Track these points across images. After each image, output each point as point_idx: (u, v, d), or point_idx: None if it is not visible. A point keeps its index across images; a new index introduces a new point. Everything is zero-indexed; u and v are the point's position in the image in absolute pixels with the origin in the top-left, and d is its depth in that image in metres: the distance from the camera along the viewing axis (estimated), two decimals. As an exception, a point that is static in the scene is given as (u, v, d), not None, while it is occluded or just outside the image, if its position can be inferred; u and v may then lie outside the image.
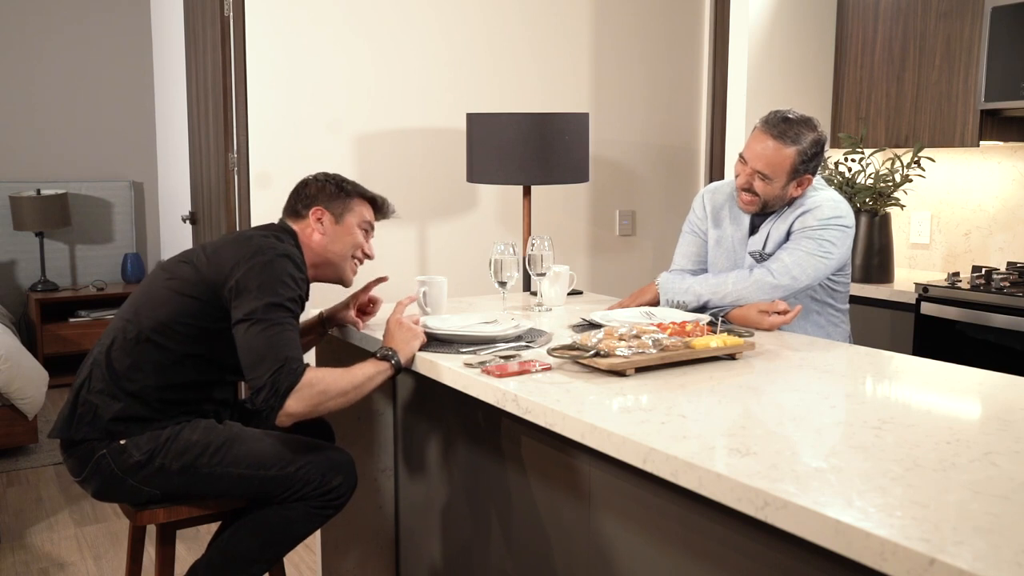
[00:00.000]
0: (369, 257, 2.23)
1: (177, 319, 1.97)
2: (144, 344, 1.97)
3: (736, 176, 2.37)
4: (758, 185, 2.31)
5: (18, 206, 5.27)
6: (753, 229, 2.45)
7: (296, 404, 1.85)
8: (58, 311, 5.41)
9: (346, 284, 2.23)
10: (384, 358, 1.98)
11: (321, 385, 1.87)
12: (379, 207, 2.26)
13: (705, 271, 2.55)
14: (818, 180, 2.41)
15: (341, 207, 2.16)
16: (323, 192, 2.17)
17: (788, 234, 2.35)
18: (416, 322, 2.08)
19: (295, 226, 2.16)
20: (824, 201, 2.34)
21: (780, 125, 2.28)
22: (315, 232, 2.14)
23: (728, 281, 2.31)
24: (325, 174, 2.22)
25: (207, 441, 1.96)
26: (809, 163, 2.29)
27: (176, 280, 2.01)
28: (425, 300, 2.40)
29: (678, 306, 2.36)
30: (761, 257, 2.38)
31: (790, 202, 2.37)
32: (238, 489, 1.97)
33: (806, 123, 2.30)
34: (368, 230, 2.23)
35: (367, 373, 1.96)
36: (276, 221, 2.22)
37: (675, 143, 4.46)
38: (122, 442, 1.93)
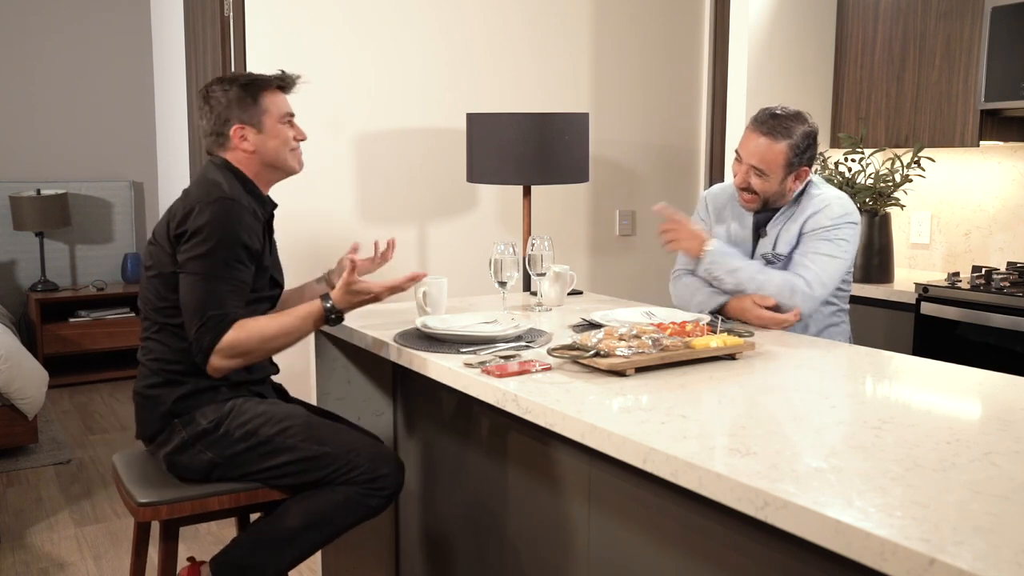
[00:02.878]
0: (303, 139, 2.20)
1: (176, 296, 2.02)
2: (169, 330, 2.04)
3: (734, 175, 2.38)
4: (755, 183, 2.33)
5: (18, 206, 5.27)
6: (757, 227, 2.46)
7: (220, 361, 1.97)
8: (58, 311, 5.41)
9: (296, 172, 2.21)
10: (323, 298, 2.05)
11: (242, 347, 1.97)
12: (286, 86, 2.18)
13: None
14: (818, 178, 2.42)
15: (256, 113, 2.11)
16: (232, 104, 2.10)
17: (799, 235, 2.36)
18: (370, 290, 2.06)
19: (226, 154, 2.13)
20: (831, 199, 2.36)
21: (769, 121, 2.31)
22: (244, 153, 2.11)
23: (772, 283, 2.28)
24: (221, 79, 2.14)
25: (270, 413, 2.04)
26: (803, 155, 2.31)
27: (153, 268, 2.06)
28: (425, 300, 2.40)
29: (714, 279, 2.33)
30: (774, 259, 2.39)
31: (796, 198, 2.38)
32: (290, 461, 2.00)
33: (796, 117, 2.32)
34: (291, 119, 2.17)
35: (299, 314, 2.04)
36: (209, 158, 2.17)
37: (675, 143, 4.46)
38: (193, 413, 2.03)
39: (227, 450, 2.01)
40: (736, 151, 2.37)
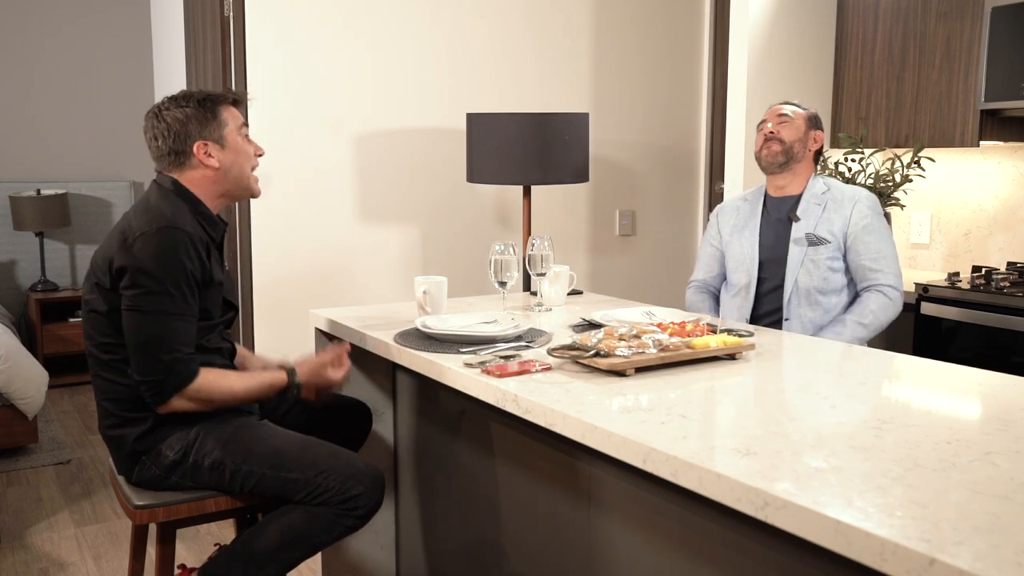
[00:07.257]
0: (262, 154, 2.15)
1: (118, 336, 1.97)
2: (113, 366, 2.00)
3: (761, 141, 2.61)
4: (783, 130, 2.57)
5: (18, 206, 5.27)
6: (777, 220, 2.65)
7: (182, 403, 1.95)
8: (58, 311, 5.41)
9: (256, 195, 2.17)
10: (289, 373, 2.09)
11: (208, 395, 1.97)
12: (239, 101, 2.14)
13: (716, 278, 2.77)
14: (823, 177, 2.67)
15: (216, 128, 2.05)
16: (191, 121, 2.03)
17: (846, 231, 2.54)
18: (326, 384, 2.15)
19: (178, 176, 2.05)
20: (858, 191, 2.59)
21: (785, 101, 2.67)
22: (208, 169, 2.05)
23: (875, 315, 2.47)
24: (173, 99, 2.06)
25: (235, 439, 2.00)
26: (817, 123, 2.64)
27: (91, 303, 2.00)
28: (425, 300, 2.40)
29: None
30: (818, 240, 2.54)
31: (818, 189, 2.59)
32: (261, 488, 1.99)
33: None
34: (247, 131, 2.13)
35: (264, 382, 2.05)
36: (155, 179, 2.10)
37: (675, 143, 4.46)
38: (159, 447, 2.00)
39: (200, 480, 2.00)
40: (761, 122, 2.64)
